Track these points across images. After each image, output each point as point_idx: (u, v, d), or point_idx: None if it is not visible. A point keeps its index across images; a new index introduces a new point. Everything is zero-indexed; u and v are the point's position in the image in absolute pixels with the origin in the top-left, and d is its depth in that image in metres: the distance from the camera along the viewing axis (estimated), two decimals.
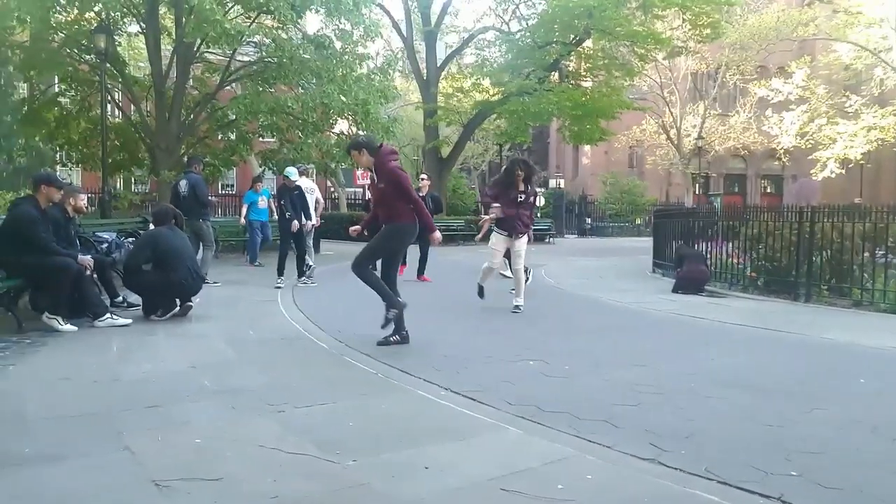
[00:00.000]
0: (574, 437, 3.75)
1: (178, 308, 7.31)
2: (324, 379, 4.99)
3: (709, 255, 11.49)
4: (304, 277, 10.63)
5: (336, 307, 8.65)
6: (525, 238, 8.32)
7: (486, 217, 9.40)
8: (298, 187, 10.91)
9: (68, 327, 6.41)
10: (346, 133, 19.27)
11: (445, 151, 25.87)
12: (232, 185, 36.10)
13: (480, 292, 8.60)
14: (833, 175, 29.99)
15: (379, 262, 6.62)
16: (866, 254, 9.40)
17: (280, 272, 10.41)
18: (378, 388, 4.78)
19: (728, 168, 43.71)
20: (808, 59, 31.85)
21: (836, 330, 7.36)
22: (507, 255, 8.82)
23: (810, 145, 30.79)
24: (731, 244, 11.55)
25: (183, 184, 10.41)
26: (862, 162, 31.24)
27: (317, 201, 12.85)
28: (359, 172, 32.98)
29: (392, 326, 6.18)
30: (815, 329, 7.43)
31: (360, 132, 18.41)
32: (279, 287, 10.01)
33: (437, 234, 6.47)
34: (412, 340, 6.26)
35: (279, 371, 5.17)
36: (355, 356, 5.71)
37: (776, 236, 10.31)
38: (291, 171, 11.01)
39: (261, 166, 19.73)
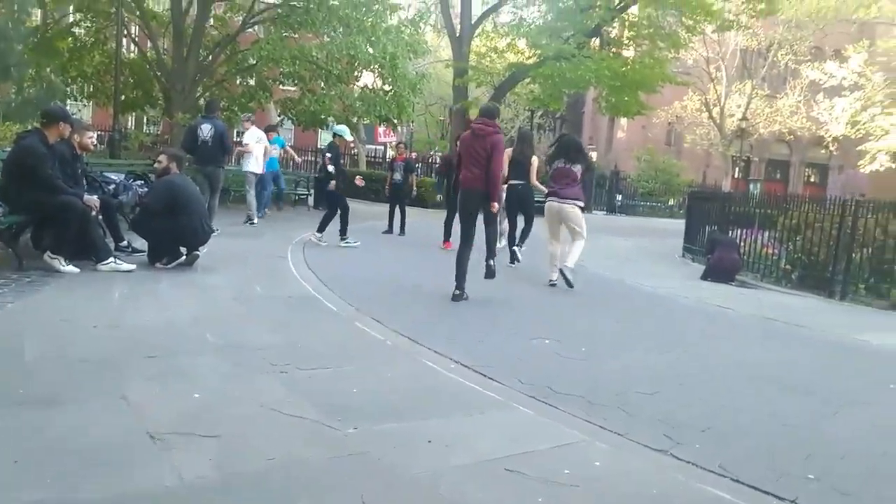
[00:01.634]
0: (585, 421, 3.77)
1: (183, 257, 7.37)
2: (331, 342, 5.03)
3: (742, 243, 11.39)
4: (346, 238, 10.80)
5: (349, 269, 8.69)
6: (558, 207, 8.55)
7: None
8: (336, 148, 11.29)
9: (70, 269, 6.49)
10: (370, 87, 19.16)
11: (474, 113, 25.56)
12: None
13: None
14: (882, 168, 29.45)
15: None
16: None
17: (321, 229, 10.67)
18: (386, 355, 4.82)
19: (771, 153, 43.10)
20: (867, 43, 31.09)
21: (870, 331, 7.28)
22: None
23: (861, 135, 30.21)
24: (766, 233, 11.43)
25: (206, 128, 10.40)
26: None
27: (265, 151, 13.39)
28: (381, 129, 33.04)
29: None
30: (848, 329, 7.37)
31: (386, 86, 18.32)
32: (320, 244, 10.37)
33: None
34: (424, 311, 6.29)
35: (285, 331, 5.22)
36: (365, 321, 5.74)
37: (816, 228, 10.19)
38: (344, 130, 11.32)
39: (280, 115, 19.72)
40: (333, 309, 6.20)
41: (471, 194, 7.11)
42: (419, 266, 9.62)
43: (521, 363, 4.85)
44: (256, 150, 12.96)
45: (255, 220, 12.62)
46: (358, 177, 11.02)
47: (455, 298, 6.86)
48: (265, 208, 14.43)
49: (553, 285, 8.34)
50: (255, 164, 12.95)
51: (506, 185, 9.94)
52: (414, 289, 7.63)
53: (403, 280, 8.17)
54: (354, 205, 11.19)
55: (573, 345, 5.52)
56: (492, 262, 7.23)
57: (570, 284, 8.12)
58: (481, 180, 6.98)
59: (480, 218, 7.15)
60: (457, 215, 7.52)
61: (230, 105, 19.15)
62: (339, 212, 10.80)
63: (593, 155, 36.87)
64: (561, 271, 8.23)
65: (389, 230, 13.06)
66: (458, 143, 7.71)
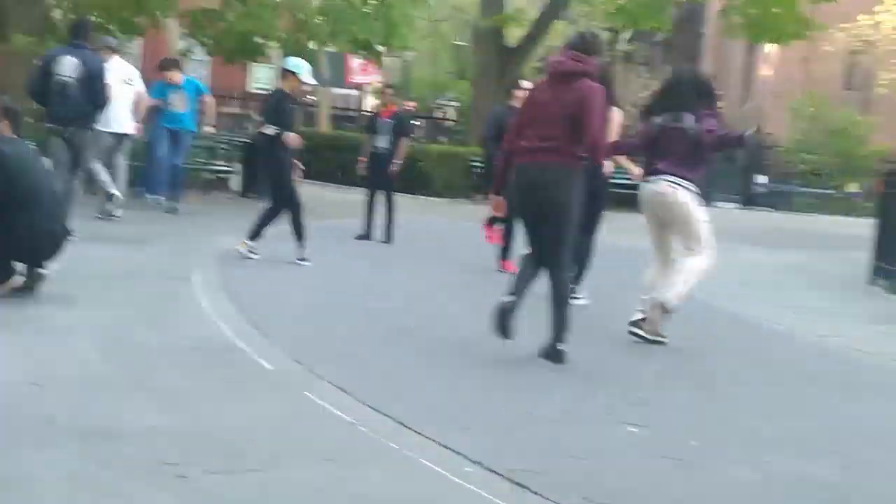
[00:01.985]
0: None
1: (20, 280, 7.43)
2: (263, 425, 5.05)
3: None
4: (301, 241, 10.76)
5: (294, 301, 8.73)
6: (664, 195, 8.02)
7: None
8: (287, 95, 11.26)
9: None
10: None
11: (513, 34, 25.67)
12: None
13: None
14: None
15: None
16: None
17: (256, 234, 10.68)
18: (358, 450, 4.84)
19: None
20: None
21: None
22: None
23: None
24: None
25: (68, 63, 10.53)
26: None
27: (138, 95, 13.64)
28: (355, 63, 33.00)
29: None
30: None
31: None
32: (251, 256, 10.53)
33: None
34: (423, 376, 6.37)
35: (187, 404, 5.26)
36: (321, 389, 5.77)
37: None
38: (300, 65, 11.33)
39: (187, 38, 19.86)
40: (268, 367, 6.24)
41: (535, 177, 6.86)
42: (415, 297, 9.64)
43: (584, 467, 4.86)
44: (122, 95, 13.02)
45: (118, 196, 12.86)
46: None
47: (501, 313, 6.65)
48: (158, 194, 14.50)
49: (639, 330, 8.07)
50: (115, 121, 12.99)
51: None
52: (404, 335, 7.63)
53: (386, 321, 8.20)
54: (312, 191, 11.21)
55: (675, 437, 5.53)
56: (561, 345, 6.90)
57: (649, 338, 7.88)
58: (558, 152, 6.73)
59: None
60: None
61: (104, 22, 19.28)
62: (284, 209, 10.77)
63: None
64: (638, 322, 7.95)
65: (366, 235, 13.05)
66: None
